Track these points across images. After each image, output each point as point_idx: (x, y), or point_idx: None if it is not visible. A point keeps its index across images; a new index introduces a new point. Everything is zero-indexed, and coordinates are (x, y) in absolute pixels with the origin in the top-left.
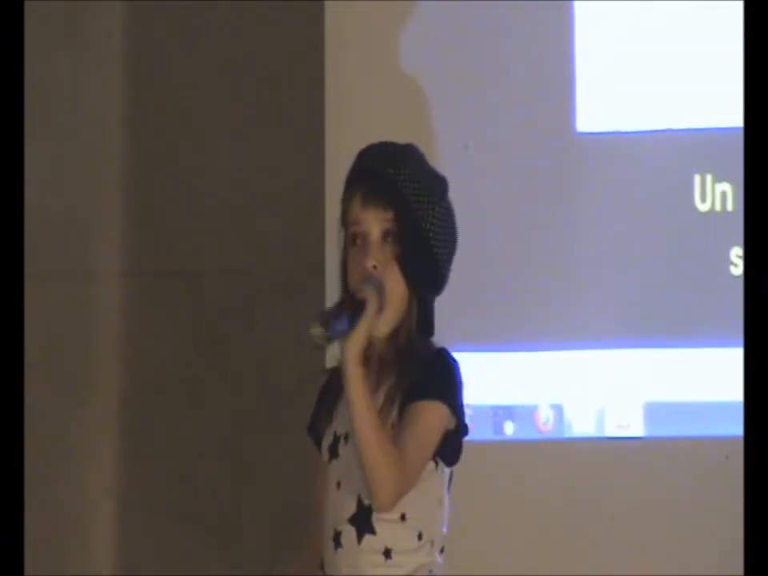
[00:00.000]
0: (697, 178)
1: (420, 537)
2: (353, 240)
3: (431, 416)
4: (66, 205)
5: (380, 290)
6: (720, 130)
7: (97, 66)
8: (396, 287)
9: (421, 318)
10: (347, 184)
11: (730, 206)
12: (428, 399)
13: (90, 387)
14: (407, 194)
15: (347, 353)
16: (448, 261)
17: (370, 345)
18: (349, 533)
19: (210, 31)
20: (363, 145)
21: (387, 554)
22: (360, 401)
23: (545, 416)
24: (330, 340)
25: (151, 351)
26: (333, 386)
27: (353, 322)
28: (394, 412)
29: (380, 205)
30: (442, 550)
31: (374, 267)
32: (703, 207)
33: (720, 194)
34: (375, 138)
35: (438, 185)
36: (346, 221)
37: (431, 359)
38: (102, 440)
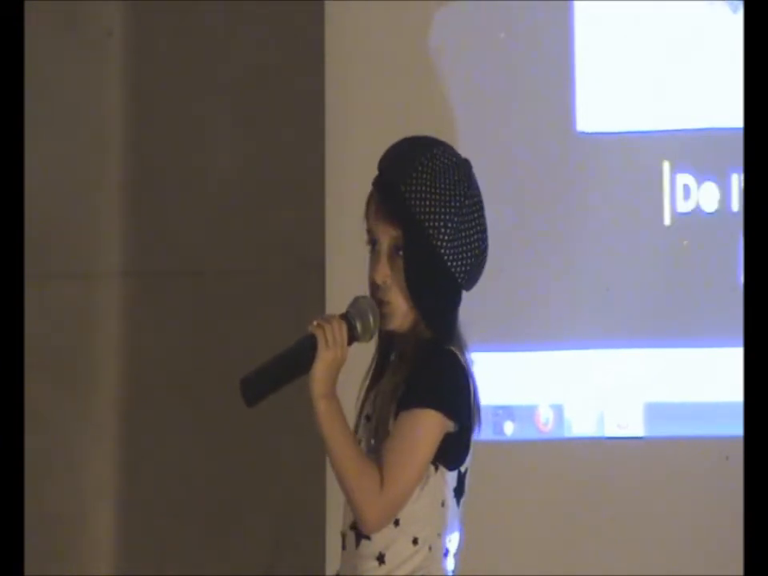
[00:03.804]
0: (697, 179)
1: (415, 542)
2: (371, 243)
3: (420, 425)
4: (66, 205)
5: (365, 314)
6: (720, 130)
7: (97, 65)
8: (400, 303)
9: (437, 325)
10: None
11: (730, 207)
12: (417, 407)
13: (90, 387)
14: (416, 213)
15: (311, 390)
16: (473, 266)
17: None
18: (350, 537)
19: (209, 30)
20: (363, 144)
21: (381, 558)
22: (331, 435)
23: (545, 416)
24: (254, 402)
25: (151, 351)
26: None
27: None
28: (391, 420)
29: (388, 221)
30: (446, 554)
31: (384, 281)
32: (704, 207)
33: (720, 195)
34: (374, 138)
35: (455, 189)
36: (366, 221)
37: (427, 363)
38: (101, 440)
